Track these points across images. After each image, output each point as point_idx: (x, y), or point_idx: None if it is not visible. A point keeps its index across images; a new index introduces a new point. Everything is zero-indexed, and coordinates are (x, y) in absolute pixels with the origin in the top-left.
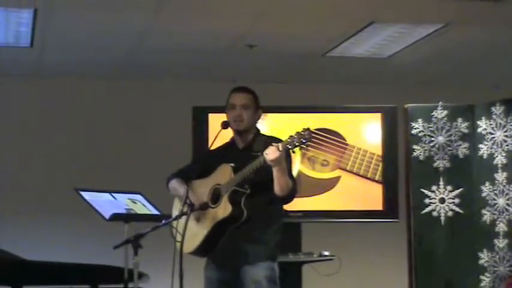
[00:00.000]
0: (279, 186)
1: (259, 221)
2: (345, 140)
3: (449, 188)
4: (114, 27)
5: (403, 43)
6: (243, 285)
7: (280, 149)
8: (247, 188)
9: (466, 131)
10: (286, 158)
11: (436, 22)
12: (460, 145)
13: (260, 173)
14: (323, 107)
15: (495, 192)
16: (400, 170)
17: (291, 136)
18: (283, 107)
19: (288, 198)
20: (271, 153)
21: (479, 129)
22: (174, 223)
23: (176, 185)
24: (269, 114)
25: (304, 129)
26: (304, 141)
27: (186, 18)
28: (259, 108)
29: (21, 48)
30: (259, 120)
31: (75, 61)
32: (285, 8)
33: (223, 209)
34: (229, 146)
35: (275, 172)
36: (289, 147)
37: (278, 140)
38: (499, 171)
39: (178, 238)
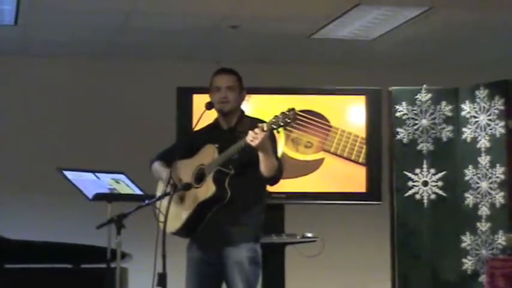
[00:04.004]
0: (265, 168)
1: (243, 202)
2: (328, 122)
3: (432, 171)
4: (98, 6)
5: (388, 26)
6: (225, 266)
7: (265, 129)
8: (232, 169)
9: (449, 114)
10: (270, 137)
11: (421, 5)
12: (444, 128)
13: (245, 154)
14: (307, 89)
15: (478, 175)
16: (383, 153)
17: (275, 116)
18: (267, 88)
19: (275, 179)
20: (255, 139)
21: (463, 113)
22: (158, 203)
23: (158, 168)
24: (253, 96)
25: (289, 109)
26: (288, 121)
27: None
28: (243, 89)
29: (4, 26)
30: (243, 101)
31: (59, 40)
32: None
33: (207, 189)
34: (214, 127)
35: (260, 154)
36: (274, 127)
37: (262, 122)
38: (482, 154)
39: (161, 218)
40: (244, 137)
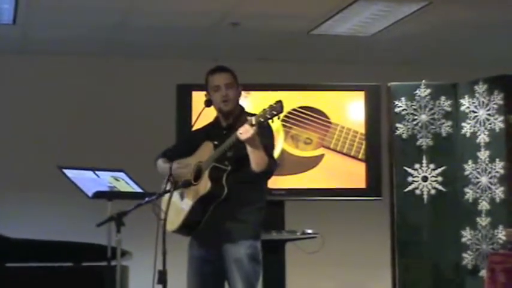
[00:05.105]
0: (254, 162)
1: (243, 199)
2: (328, 118)
3: (432, 166)
4: (97, 4)
5: (387, 21)
6: (225, 263)
7: (254, 122)
8: (228, 165)
9: (449, 109)
10: (265, 132)
11: (420, 0)
12: (443, 123)
13: (241, 150)
14: (306, 85)
15: (478, 170)
16: (383, 148)
17: (263, 109)
18: (266, 84)
19: (267, 174)
20: (244, 133)
21: (462, 108)
22: (158, 201)
23: (163, 165)
24: (252, 92)
25: (276, 101)
26: (275, 113)
27: None
28: (239, 86)
29: (3, 25)
30: (240, 98)
31: (58, 39)
32: None
33: (204, 186)
34: (214, 125)
35: (248, 148)
36: (262, 120)
37: None
38: (482, 149)
39: (162, 216)
40: (235, 132)
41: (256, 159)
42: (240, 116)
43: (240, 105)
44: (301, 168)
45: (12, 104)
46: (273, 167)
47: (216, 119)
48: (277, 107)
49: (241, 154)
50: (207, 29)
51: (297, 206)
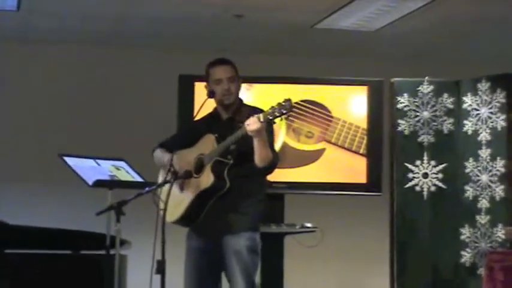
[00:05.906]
0: (259, 157)
1: (243, 192)
2: (330, 112)
3: (433, 163)
4: None
5: (391, 17)
6: (224, 255)
7: (262, 119)
8: (230, 159)
9: (451, 106)
10: (267, 129)
11: None
12: (445, 120)
13: (244, 144)
14: (309, 79)
15: (478, 168)
16: (384, 144)
17: (272, 107)
18: (269, 77)
19: (268, 169)
20: (251, 124)
21: (464, 105)
22: (158, 191)
23: (160, 154)
24: (255, 85)
25: (285, 99)
26: (285, 112)
27: None
28: (240, 78)
29: (7, 11)
30: (242, 91)
31: (62, 26)
32: None
33: (206, 179)
34: (213, 116)
35: (256, 143)
36: (270, 118)
37: (261, 111)
38: (483, 147)
39: (162, 206)
40: (243, 126)
41: (261, 154)
42: (239, 108)
43: (239, 98)
44: (302, 161)
45: (14, 92)
46: (276, 161)
47: (216, 110)
48: (287, 105)
49: (244, 148)
50: (211, 20)
51: (297, 200)
